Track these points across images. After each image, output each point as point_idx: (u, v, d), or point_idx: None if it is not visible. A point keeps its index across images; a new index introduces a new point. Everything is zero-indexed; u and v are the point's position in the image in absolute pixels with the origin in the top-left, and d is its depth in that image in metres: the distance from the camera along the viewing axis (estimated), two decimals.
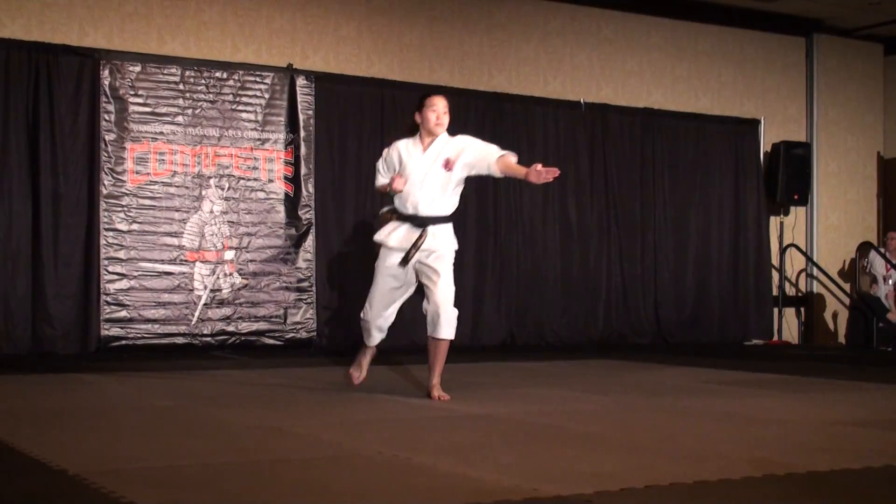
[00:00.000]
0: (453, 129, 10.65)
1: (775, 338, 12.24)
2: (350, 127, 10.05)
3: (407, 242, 5.94)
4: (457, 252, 6.07)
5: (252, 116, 9.55)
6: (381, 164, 6.23)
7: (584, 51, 11.69)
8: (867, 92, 13.57)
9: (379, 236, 6.08)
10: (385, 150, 6.24)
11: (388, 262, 6.02)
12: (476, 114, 10.58)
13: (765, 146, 12.35)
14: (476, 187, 10.50)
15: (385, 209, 6.17)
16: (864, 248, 13.06)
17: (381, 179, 6.22)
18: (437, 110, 6.06)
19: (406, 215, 6.01)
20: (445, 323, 5.96)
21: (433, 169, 5.99)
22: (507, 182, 10.66)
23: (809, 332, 13.00)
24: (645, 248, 11.41)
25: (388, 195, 6.19)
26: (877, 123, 13.63)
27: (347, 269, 9.89)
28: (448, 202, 6.05)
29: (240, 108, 9.51)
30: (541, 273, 10.85)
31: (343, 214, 9.95)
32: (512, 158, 6.07)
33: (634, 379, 7.28)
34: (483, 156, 6.02)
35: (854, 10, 12.52)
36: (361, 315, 6.20)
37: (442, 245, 5.99)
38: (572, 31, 11.64)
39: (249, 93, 9.56)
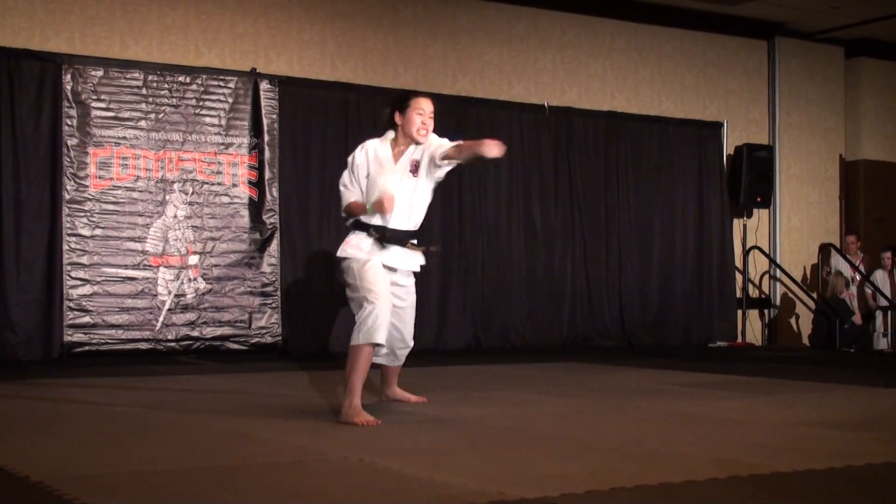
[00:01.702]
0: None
1: (739, 340, 12.31)
2: (314, 131, 10.02)
3: (408, 261, 5.52)
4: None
5: (216, 121, 9.51)
6: (346, 177, 5.50)
7: (548, 54, 11.72)
8: (829, 94, 13.68)
9: (363, 254, 5.37)
10: (350, 158, 5.53)
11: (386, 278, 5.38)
12: (440, 118, 10.48)
13: (728, 149, 12.42)
14: (441, 191, 10.49)
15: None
16: (825, 250, 13.18)
17: (350, 195, 5.47)
18: (424, 113, 5.48)
19: (383, 232, 5.37)
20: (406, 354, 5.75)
21: (404, 179, 5.42)
22: (471, 185, 10.69)
23: (773, 333, 13.08)
24: (609, 251, 11.44)
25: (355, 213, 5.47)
26: (838, 126, 13.74)
27: (312, 273, 9.87)
28: (420, 215, 5.53)
29: (203, 112, 9.47)
30: (505, 276, 10.86)
31: (307, 218, 9.92)
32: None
33: (599, 381, 7.30)
34: (440, 144, 5.48)
35: (815, 14, 12.63)
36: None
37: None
38: (536, 35, 11.67)
39: (213, 97, 9.52)
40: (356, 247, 5.39)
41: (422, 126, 5.46)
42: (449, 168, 5.52)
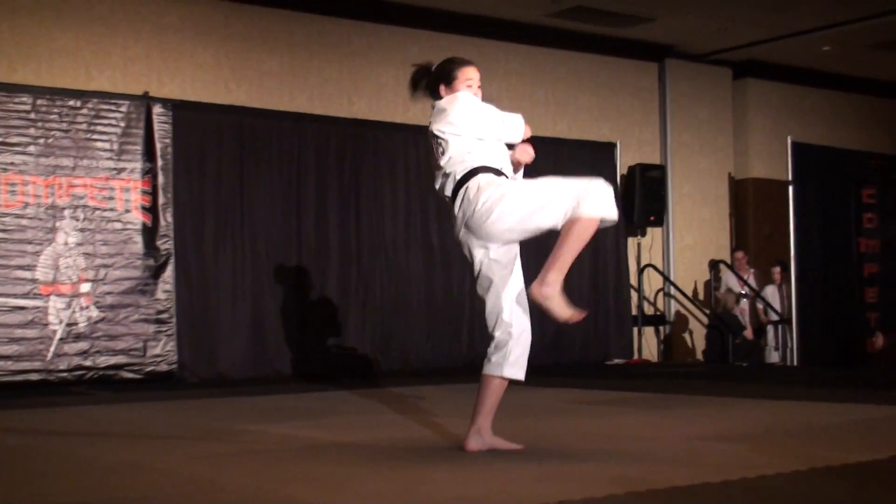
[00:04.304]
0: (313, 155, 10.61)
1: (635, 356, 12.46)
2: (209, 155, 9.92)
3: None
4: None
5: (107, 145, 9.35)
6: (482, 105, 4.78)
7: None
8: (718, 115, 13.97)
9: None
10: (465, 95, 4.81)
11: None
12: (336, 140, 10.56)
13: (621, 169, 12.59)
14: (338, 214, 10.48)
15: None
16: (714, 266, 13.44)
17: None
18: (474, 84, 4.85)
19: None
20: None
21: None
22: (369, 208, 10.67)
23: (668, 349, 13.28)
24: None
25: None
26: (727, 146, 14.04)
27: (208, 299, 9.76)
28: None
29: (94, 137, 9.30)
30: (404, 299, 10.85)
31: (203, 244, 9.80)
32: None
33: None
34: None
35: (703, 36, 12.90)
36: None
37: None
38: (430, 58, 11.53)
39: (104, 121, 9.35)
40: (501, 180, 4.71)
41: None
42: None
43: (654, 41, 13.08)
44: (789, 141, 12.07)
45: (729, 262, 13.45)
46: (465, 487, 3.89)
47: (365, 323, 10.58)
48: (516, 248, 4.80)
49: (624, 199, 12.55)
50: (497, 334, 4.72)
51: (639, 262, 12.73)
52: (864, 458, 4.35)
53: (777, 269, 12.93)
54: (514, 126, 4.81)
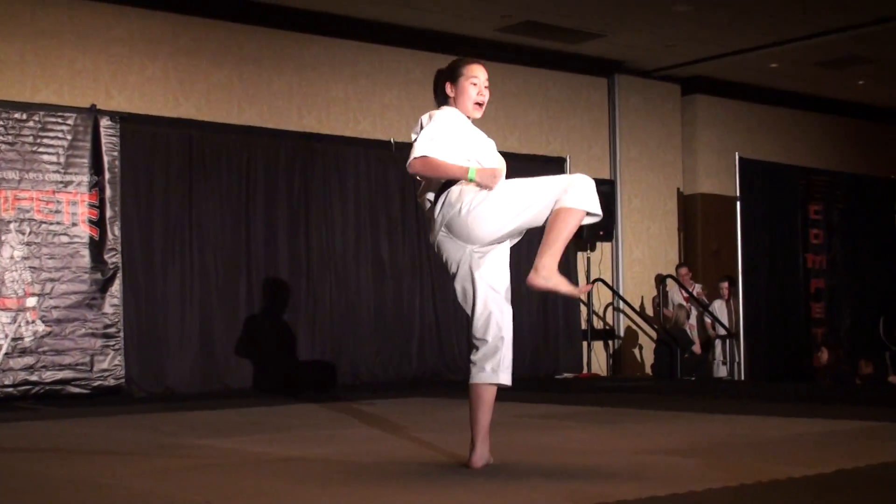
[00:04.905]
0: (262, 169, 10.57)
1: (585, 370, 12.51)
2: (157, 168, 9.85)
3: None
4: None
5: (54, 158, 9.25)
6: (436, 132, 4.66)
7: (393, 91, 11.78)
8: (667, 130, 14.08)
9: None
10: (439, 114, 4.76)
11: None
12: (286, 154, 10.54)
13: None
14: (287, 227, 10.45)
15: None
16: (661, 280, 13.53)
17: (442, 152, 4.63)
18: (479, 82, 4.78)
19: None
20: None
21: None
22: (318, 222, 10.64)
23: (617, 364, 13.34)
24: None
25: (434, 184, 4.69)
26: (676, 161, 14.15)
27: (156, 313, 9.69)
28: None
29: (41, 150, 9.21)
30: (354, 312, 10.82)
31: (151, 257, 9.73)
32: None
33: (449, 416, 7.31)
34: None
35: (652, 53, 13.01)
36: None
37: None
38: (381, 72, 11.73)
39: (51, 134, 9.26)
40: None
41: (478, 97, 4.80)
42: None
43: (604, 57, 13.17)
44: (737, 157, 12.18)
45: (676, 276, 13.54)
46: (412, 502, 3.89)
47: (315, 336, 10.54)
48: (504, 249, 4.73)
49: None
50: (489, 338, 4.60)
51: (588, 277, 12.79)
52: (810, 472, 4.39)
53: (725, 284, 13.03)
54: (415, 147, 4.68)
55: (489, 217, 4.54)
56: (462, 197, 4.57)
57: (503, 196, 4.56)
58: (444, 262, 4.75)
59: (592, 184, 4.52)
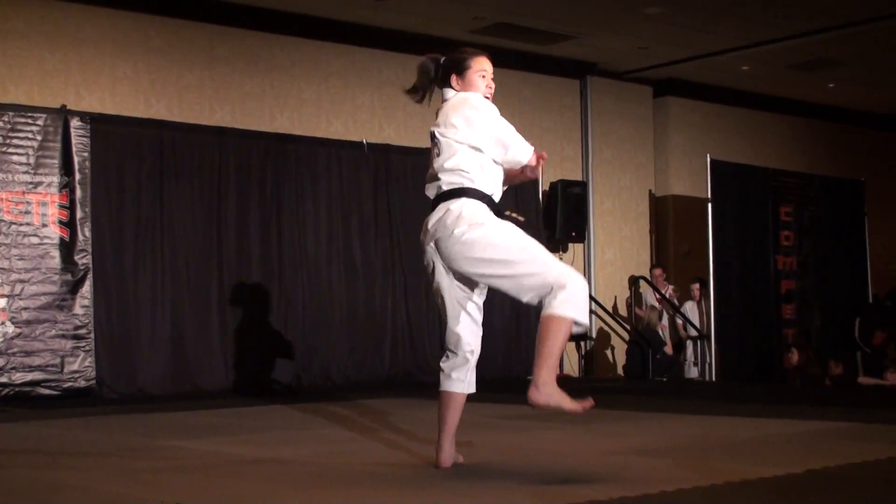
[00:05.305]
0: (234, 170, 10.52)
1: (557, 371, 12.49)
2: (128, 169, 9.80)
3: None
4: None
5: (24, 159, 9.19)
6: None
7: (366, 92, 11.78)
8: (639, 132, 14.13)
9: None
10: (489, 105, 4.62)
11: None
12: (258, 155, 10.50)
13: (543, 185, 12.67)
14: (259, 228, 10.41)
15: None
16: (634, 282, 13.57)
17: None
18: (487, 75, 4.66)
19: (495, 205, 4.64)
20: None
21: None
22: (290, 223, 10.62)
23: (589, 364, 13.37)
24: (429, 287, 11.46)
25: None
26: (648, 163, 14.20)
27: (127, 314, 9.63)
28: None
29: (10, 150, 9.14)
30: (326, 313, 10.80)
31: (122, 259, 9.68)
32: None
33: (421, 416, 7.31)
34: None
35: (624, 55, 13.06)
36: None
37: None
38: (353, 73, 11.72)
39: (20, 135, 9.20)
40: (485, 212, 4.52)
41: (486, 90, 4.66)
42: None
43: (577, 59, 13.21)
44: (708, 159, 12.24)
45: (649, 278, 13.59)
46: (384, 502, 3.88)
47: (286, 338, 10.51)
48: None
49: (545, 214, 12.63)
50: (458, 353, 4.70)
51: None
52: (780, 472, 4.41)
53: (696, 286, 13.09)
54: (520, 151, 4.58)
55: (475, 253, 4.44)
56: (458, 223, 4.47)
57: (497, 248, 4.43)
58: (425, 265, 4.73)
59: (586, 291, 4.42)
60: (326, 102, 11.50)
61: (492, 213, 4.51)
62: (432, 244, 4.60)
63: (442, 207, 4.56)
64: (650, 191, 14.25)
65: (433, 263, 4.66)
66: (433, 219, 4.58)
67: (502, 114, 4.63)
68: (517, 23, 11.69)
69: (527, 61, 12.87)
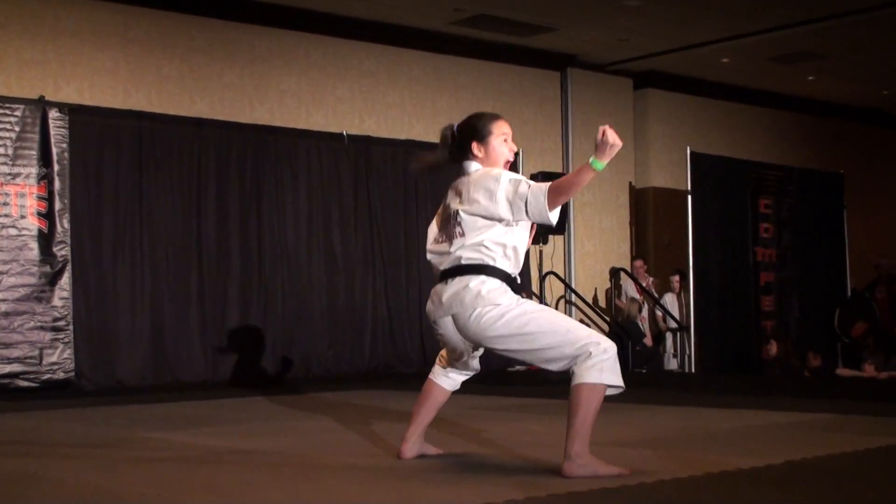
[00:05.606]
0: (213, 161, 10.48)
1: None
2: (106, 160, 9.75)
3: None
4: None
5: (1, 150, 9.13)
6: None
7: (346, 83, 11.75)
8: (619, 124, 14.04)
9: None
10: (509, 174, 4.49)
11: None
12: (238, 147, 10.47)
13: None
14: (239, 221, 10.38)
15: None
16: (615, 273, 13.60)
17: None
18: (509, 138, 4.58)
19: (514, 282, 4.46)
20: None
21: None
22: (270, 215, 10.59)
23: None
24: (410, 279, 11.50)
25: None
26: (628, 155, 14.22)
27: (106, 306, 9.59)
28: None
29: None
30: (306, 306, 10.78)
31: (100, 250, 9.63)
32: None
33: (402, 408, 7.31)
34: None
35: (605, 47, 13.07)
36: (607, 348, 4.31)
37: None
38: (334, 64, 11.69)
39: None
40: (505, 292, 4.36)
41: (509, 154, 4.59)
42: None
43: (557, 50, 13.21)
44: (688, 151, 12.27)
45: (629, 269, 13.62)
46: (366, 495, 3.88)
47: (267, 329, 10.49)
48: None
49: None
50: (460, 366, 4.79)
51: (540, 270, 12.82)
52: (759, 464, 4.44)
53: (676, 278, 13.12)
54: (538, 208, 4.40)
55: (496, 332, 4.31)
56: (477, 302, 4.31)
57: (517, 320, 4.30)
58: (431, 322, 4.56)
59: (614, 353, 4.30)
60: (306, 94, 11.48)
61: (511, 292, 4.36)
62: (448, 318, 4.43)
63: (459, 282, 4.38)
64: (630, 183, 14.28)
65: (445, 332, 4.50)
66: (447, 292, 4.40)
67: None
68: (497, 14, 11.68)
69: (507, 53, 12.87)
